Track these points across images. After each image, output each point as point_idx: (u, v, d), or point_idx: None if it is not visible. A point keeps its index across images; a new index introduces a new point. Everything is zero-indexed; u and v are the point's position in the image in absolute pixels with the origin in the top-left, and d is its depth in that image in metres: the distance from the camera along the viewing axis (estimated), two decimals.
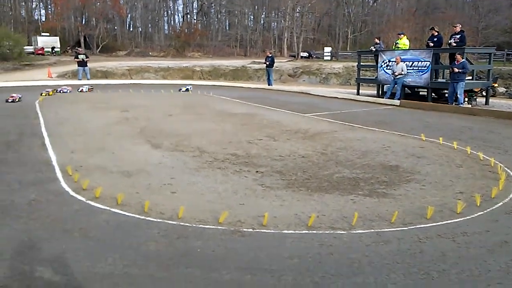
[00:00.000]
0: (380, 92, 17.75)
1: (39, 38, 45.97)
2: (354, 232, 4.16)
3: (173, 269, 3.35)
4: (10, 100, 12.60)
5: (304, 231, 4.15)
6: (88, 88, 17.11)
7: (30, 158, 6.79)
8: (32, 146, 7.62)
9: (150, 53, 52.77)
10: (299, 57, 45.70)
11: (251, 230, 4.16)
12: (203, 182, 5.82)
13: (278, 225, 4.30)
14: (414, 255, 3.66)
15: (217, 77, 29.73)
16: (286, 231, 4.14)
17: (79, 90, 16.49)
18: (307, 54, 49.26)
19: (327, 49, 47.95)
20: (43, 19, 59.64)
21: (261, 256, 3.60)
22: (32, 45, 44.22)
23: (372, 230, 4.19)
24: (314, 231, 4.15)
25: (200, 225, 4.24)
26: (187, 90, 19.26)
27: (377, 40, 18.42)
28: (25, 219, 4.29)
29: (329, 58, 43.03)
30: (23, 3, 59.10)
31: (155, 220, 4.36)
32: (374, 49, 17.93)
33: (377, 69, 17.78)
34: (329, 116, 12.30)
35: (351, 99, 17.46)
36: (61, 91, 15.70)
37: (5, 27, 37.53)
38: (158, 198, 5.03)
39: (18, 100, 12.68)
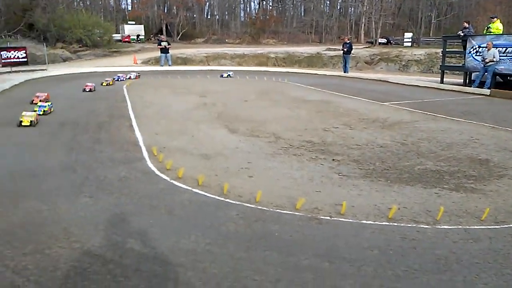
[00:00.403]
0: (468, 80, 16.45)
1: (126, 26, 49.05)
2: (439, 227, 3.94)
3: (252, 251, 3.44)
4: (87, 90, 12.80)
5: (384, 223, 4.02)
6: (136, 76, 17.78)
7: (119, 138, 7.33)
8: (120, 127, 8.21)
9: (226, 40, 53.91)
10: (377, 43, 43.74)
11: (328, 218, 4.13)
12: (279, 167, 5.87)
13: (356, 214, 4.21)
14: (508, 256, 3.39)
15: (292, 64, 29.56)
16: (365, 221, 4.04)
17: (127, 77, 17.19)
18: (386, 40, 47.01)
19: (408, 35, 45.34)
20: (129, 8, 63.52)
21: (339, 245, 3.56)
22: (119, 33, 47.32)
23: (460, 227, 3.94)
24: (395, 224, 4.00)
25: (277, 210, 4.29)
26: (228, 76, 19.36)
27: (466, 24, 17.00)
28: (117, 194, 4.66)
29: (409, 44, 40.68)
30: None
31: (233, 202, 4.49)
32: (462, 34, 16.59)
33: (464, 55, 16.46)
34: (409, 105, 11.69)
35: (434, 88, 16.42)
36: (119, 79, 16.54)
37: (96, 16, 40.45)
38: (236, 181, 5.17)
39: (94, 89, 12.96)
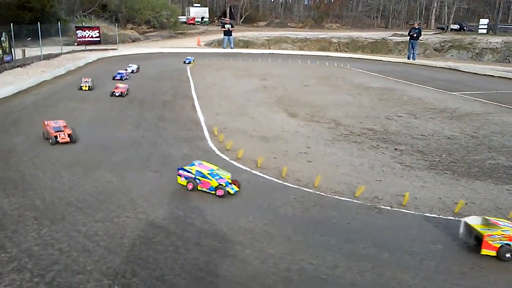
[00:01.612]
0: None
1: (191, 9, 50.05)
2: None
3: (309, 234, 3.44)
4: (116, 94, 9.06)
5: (449, 217, 3.83)
6: (136, 69, 14.16)
7: (182, 117, 7.57)
8: (184, 106, 8.48)
9: (289, 24, 53.25)
10: (449, 29, 41.01)
11: (389, 208, 4.00)
12: (339, 154, 5.77)
13: (419, 206, 4.05)
14: None
15: (355, 50, 28.61)
16: (428, 214, 3.87)
17: (130, 72, 13.78)
18: (458, 27, 43.82)
19: (484, 21, 41.92)
20: None
21: (400, 236, 3.45)
22: (185, 15, 48.42)
23: None
24: (462, 219, 3.79)
25: (336, 196, 4.23)
26: (189, 62, 16.30)
27: None
28: None
29: (485, 31, 37.67)
30: None
31: (291, 185, 4.49)
32: None
33: None
34: (482, 96, 10.91)
35: (510, 78, 15.15)
36: (122, 78, 11.76)
37: None
38: (295, 165, 5.16)
39: (126, 93, 9.31)
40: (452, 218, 3.82)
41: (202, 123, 7.13)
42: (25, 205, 3.73)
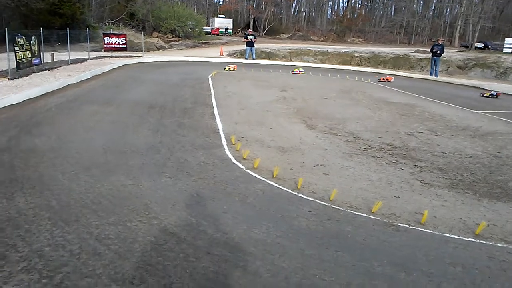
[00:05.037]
0: None
1: (216, 20, 50.81)
2: None
3: (323, 249, 3.35)
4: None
5: (470, 239, 3.69)
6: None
7: (201, 124, 7.60)
8: (203, 114, 8.52)
9: (311, 37, 53.39)
10: (473, 47, 40.32)
11: (406, 226, 3.89)
12: (356, 168, 5.67)
13: (438, 226, 3.91)
14: None
15: (376, 64, 28.38)
16: (448, 235, 3.74)
17: None
18: (483, 45, 43.13)
19: (509, 40, 41.07)
20: (221, 2, 65.67)
21: (418, 256, 3.33)
22: (209, 26, 49.17)
23: None
24: (483, 241, 3.65)
25: (352, 211, 4.14)
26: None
27: None
28: (195, 178, 4.83)
29: (510, 50, 36.90)
30: None
31: (307, 198, 4.42)
32: None
33: None
34: (506, 115, 10.61)
35: None
36: None
37: (190, 8, 42.39)
38: (311, 177, 5.09)
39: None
40: (472, 239, 3.68)
41: (220, 131, 7.14)
42: (41, 205, 3.77)
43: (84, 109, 8.28)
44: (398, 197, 4.66)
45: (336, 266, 3.10)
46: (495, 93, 14.78)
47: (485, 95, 14.86)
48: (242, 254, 3.18)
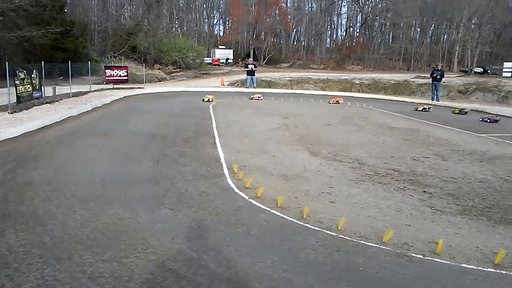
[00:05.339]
0: None
1: (217, 51, 51.69)
2: None
3: (333, 283, 3.12)
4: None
5: (489, 269, 3.45)
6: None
7: (203, 154, 7.45)
8: (204, 143, 8.38)
9: (311, 66, 54.08)
10: (472, 72, 40.65)
11: (421, 256, 3.65)
12: (363, 195, 5.46)
13: (454, 256, 3.68)
14: None
15: (377, 91, 28.48)
16: (465, 265, 3.50)
17: None
18: (482, 70, 43.53)
19: (508, 64, 41.50)
20: (221, 34, 67.02)
21: None
22: (210, 57, 49.98)
23: None
24: (503, 271, 3.41)
25: (362, 241, 3.91)
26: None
27: None
28: (195, 208, 4.64)
29: (509, 74, 37.18)
30: (206, 20, 67.34)
31: (313, 228, 4.21)
32: None
33: None
34: None
35: None
36: None
37: (190, 40, 43.16)
38: (317, 206, 4.88)
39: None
40: (492, 270, 3.44)
41: (222, 160, 6.98)
42: (33, 241, 3.57)
43: (84, 141, 8.17)
44: (410, 225, 4.44)
45: None
46: (427, 107, 17.18)
47: (418, 108, 17.13)
48: None
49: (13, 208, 4.38)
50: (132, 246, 3.57)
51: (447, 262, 3.56)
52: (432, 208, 5.03)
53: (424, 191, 5.74)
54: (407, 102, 21.44)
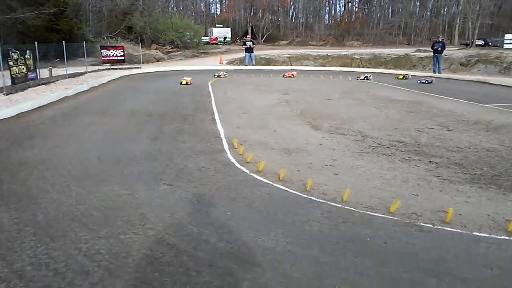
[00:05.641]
0: None
1: (214, 29, 50.79)
2: None
3: (339, 255, 2.98)
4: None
5: (503, 237, 3.31)
6: None
7: (202, 130, 7.26)
8: (204, 120, 8.19)
9: (310, 42, 53.22)
10: (474, 44, 40.01)
11: (430, 225, 3.51)
12: (368, 167, 5.30)
13: (465, 224, 3.53)
14: None
15: (377, 65, 28.04)
16: (477, 233, 3.36)
17: None
18: (483, 42, 42.89)
19: (509, 36, 40.87)
20: (218, 12, 65.81)
21: (448, 259, 2.95)
22: (207, 36, 49.13)
23: None
24: None
25: (368, 212, 3.77)
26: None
27: None
28: (195, 184, 4.48)
29: (510, 46, 36.62)
30: None
31: (317, 200, 4.06)
32: None
33: None
34: None
35: None
36: None
37: (187, 19, 42.31)
38: (320, 178, 4.72)
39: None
40: (506, 237, 3.30)
41: (222, 135, 6.80)
42: (26, 220, 3.43)
43: (80, 120, 7.98)
44: (417, 195, 4.28)
45: (356, 274, 2.72)
46: (369, 75, 18.23)
47: (360, 77, 17.99)
48: (249, 265, 2.82)
49: (6, 187, 4.23)
50: (130, 222, 3.43)
51: (458, 230, 3.41)
52: (439, 178, 4.88)
53: (430, 161, 5.57)
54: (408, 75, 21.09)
